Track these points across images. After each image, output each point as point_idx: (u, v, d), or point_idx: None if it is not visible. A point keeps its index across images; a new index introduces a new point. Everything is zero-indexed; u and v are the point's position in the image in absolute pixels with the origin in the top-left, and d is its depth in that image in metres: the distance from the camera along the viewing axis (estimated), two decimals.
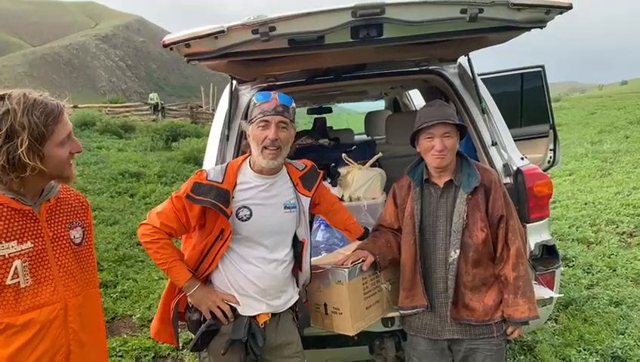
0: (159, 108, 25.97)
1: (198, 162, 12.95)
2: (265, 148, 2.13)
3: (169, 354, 4.13)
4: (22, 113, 1.55)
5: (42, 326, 1.63)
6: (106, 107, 25.73)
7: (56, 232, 1.73)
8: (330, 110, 7.80)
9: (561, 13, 2.38)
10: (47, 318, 1.64)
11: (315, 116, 6.81)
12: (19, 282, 1.59)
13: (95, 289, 1.88)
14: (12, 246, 1.58)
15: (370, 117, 5.64)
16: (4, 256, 1.57)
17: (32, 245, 1.64)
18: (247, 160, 2.28)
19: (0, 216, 1.58)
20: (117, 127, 18.22)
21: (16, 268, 1.58)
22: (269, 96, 2.18)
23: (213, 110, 27.66)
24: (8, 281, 1.57)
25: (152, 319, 4.66)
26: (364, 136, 5.91)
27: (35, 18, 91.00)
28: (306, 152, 4.09)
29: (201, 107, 29.32)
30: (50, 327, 1.65)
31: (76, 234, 1.81)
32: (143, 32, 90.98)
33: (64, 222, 1.78)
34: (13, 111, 1.54)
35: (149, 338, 4.31)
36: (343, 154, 3.72)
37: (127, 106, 27.84)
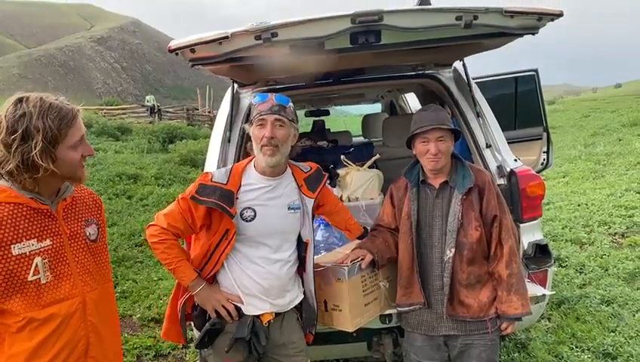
0: (156, 110, 25.98)
1: (195, 164, 12.98)
2: (263, 146, 2.20)
3: (169, 352, 4.18)
4: (37, 116, 1.61)
5: (63, 320, 1.70)
6: (103, 109, 25.70)
7: (72, 230, 1.79)
8: (328, 113, 7.88)
9: (552, 20, 2.46)
10: (67, 312, 1.71)
11: (314, 119, 6.90)
12: (39, 278, 1.66)
13: (109, 284, 1.95)
14: (32, 244, 1.65)
15: (367, 119, 5.72)
16: (25, 253, 1.63)
17: (51, 243, 1.71)
18: (252, 162, 2.34)
19: (20, 215, 1.65)
20: (114, 129, 18.20)
21: (36, 264, 1.65)
22: (266, 97, 2.24)
23: (209, 112, 27.70)
24: (30, 278, 1.63)
25: (152, 319, 4.75)
26: (362, 138, 5.99)
27: (30, 20, 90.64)
28: (305, 154, 4.15)
29: (197, 109, 29.33)
30: (70, 320, 1.72)
31: (91, 231, 1.87)
32: (139, 34, 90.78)
33: (80, 219, 1.85)
34: (29, 114, 1.60)
35: (150, 337, 4.37)
36: (342, 156, 3.80)
37: (123, 108, 27.79)
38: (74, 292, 1.74)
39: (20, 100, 1.64)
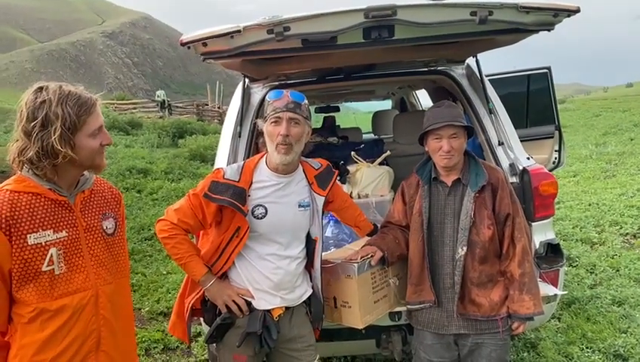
0: (166, 105, 26.09)
1: (205, 159, 13.02)
2: (278, 144, 2.16)
3: (177, 346, 4.20)
4: (57, 103, 1.63)
5: (74, 312, 1.70)
6: (114, 104, 25.85)
7: (89, 222, 1.80)
8: (338, 109, 7.86)
9: (569, 16, 2.41)
10: (79, 304, 1.71)
11: (325, 115, 6.90)
12: (53, 269, 1.66)
13: (126, 279, 1.94)
14: (48, 235, 1.66)
15: (378, 116, 5.69)
16: (41, 243, 1.64)
17: (67, 234, 1.71)
18: (264, 158, 2.31)
19: (38, 205, 1.66)
20: (124, 123, 18.30)
21: (51, 255, 1.66)
22: (282, 93, 2.21)
23: (219, 108, 27.77)
24: (44, 268, 1.64)
25: (161, 312, 4.75)
26: (371, 135, 5.97)
27: (42, 14, 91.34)
28: (316, 150, 4.14)
29: (207, 105, 29.41)
30: (82, 313, 1.72)
31: (108, 224, 1.87)
32: (150, 29, 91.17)
33: (97, 213, 1.84)
34: (49, 102, 1.62)
35: (158, 330, 4.39)
36: (352, 153, 3.78)
37: (134, 103, 27.97)
38: (87, 284, 1.74)
39: (40, 89, 1.66)
